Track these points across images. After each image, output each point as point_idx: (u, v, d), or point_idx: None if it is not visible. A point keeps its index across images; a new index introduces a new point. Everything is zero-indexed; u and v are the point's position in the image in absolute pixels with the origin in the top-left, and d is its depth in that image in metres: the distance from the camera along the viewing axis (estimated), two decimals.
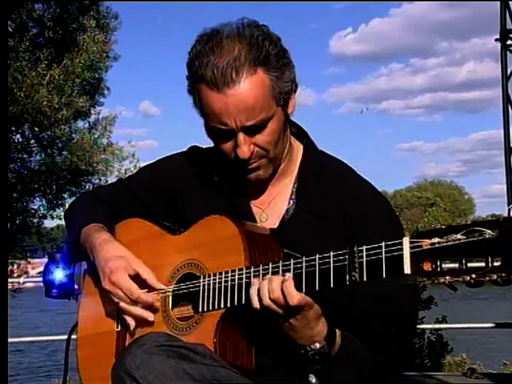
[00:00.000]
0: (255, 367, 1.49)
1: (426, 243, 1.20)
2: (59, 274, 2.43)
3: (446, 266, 1.19)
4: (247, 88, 1.47)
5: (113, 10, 10.02)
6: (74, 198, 10.43)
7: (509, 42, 7.44)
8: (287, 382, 1.52)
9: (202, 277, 1.53)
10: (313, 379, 1.47)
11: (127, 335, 1.64)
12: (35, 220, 10.66)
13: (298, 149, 1.70)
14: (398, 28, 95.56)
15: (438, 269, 1.19)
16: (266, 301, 1.38)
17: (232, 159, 1.55)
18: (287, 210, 1.64)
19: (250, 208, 1.66)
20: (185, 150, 1.81)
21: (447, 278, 1.18)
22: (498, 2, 7.60)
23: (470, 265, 1.16)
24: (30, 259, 11.74)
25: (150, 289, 1.60)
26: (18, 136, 9.62)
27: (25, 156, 10.01)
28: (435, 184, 62.55)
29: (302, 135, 1.72)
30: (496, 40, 7.52)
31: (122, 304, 1.58)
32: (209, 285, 1.51)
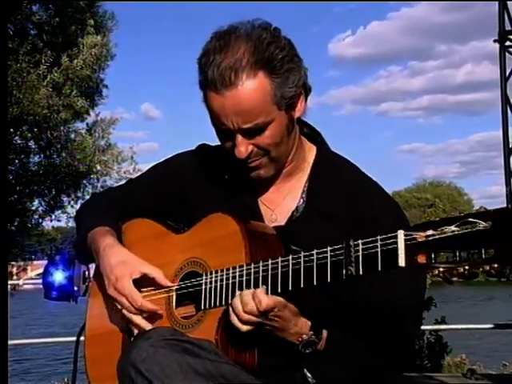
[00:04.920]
0: (257, 365, 1.49)
1: (420, 236, 1.21)
2: (59, 276, 2.44)
3: (441, 258, 1.19)
4: (245, 91, 1.47)
5: (109, 12, 10.04)
6: (72, 199, 10.43)
7: (507, 43, 7.44)
8: (288, 379, 1.53)
9: (204, 274, 1.54)
10: (308, 374, 1.49)
11: (134, 335, 1.63)
12: (35, 217, 10.64)
13: (310, 149, 1.70)
14: (397, 31, 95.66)
15: (433, 261, 1.19)
16: (242, 315, 1.41)
17: (233, 157, 1.56)
18: (297, 208, 1.64)
19: (259, 208, 1.66)
20: (193, 148, 1.81)
21: (441, 269, 1.18)
22: (497, 3, 7.60)
23: (463, 256, 1.17)
24: (29, 261, 11.73)
25: (159, 287, 1.61)
26: (17, 138, 9.60)
27: (23, 157, 10.00)
28: (434, 185, 62.56)
29: (314, 136, 1.72)
30: (494, 41, 7.52)
31: (124, 311, 1.59)
32: (211, 282, 1.52)
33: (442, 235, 1.18)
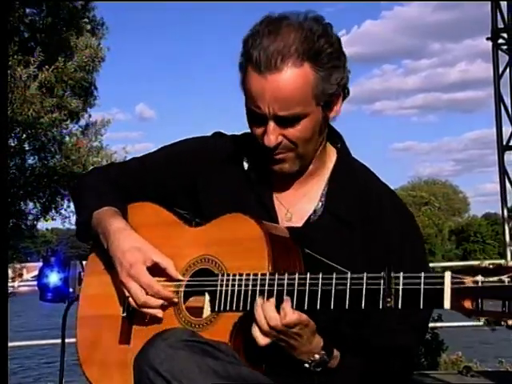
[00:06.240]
0: (266, 373, 1.47)
1: (468, 280, 1.19)
2: (54, 278, 2.43)
3: (488, 307, 1.18)
4: (288, 78, 1.45)
5: (98, 17, 10.09)
6: (68, 200, 10.41)
7: (500, 41, 7.46)
8: None
9: (220, 275, 1.50)
10: None
11: (134, 323, 1.62)
12: (30, 219, 10.62)
13: (331, 152, 1.67)
14: (391, 30, 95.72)
15: (479, 308, 1.18)
16: (265, 328, 1.39)
17: (260, 144, 1.53)
18: (315, 211, 1.61)
19: (274, 205, 1.63)
20: (209, 134, 1.76)
21: (488, 318, 1.17)
22: (489, 2, 7.62)
23: None
24: (25, 263, 11.70)
25: (168, 278, 1.57)
26: (10, 140, 9.58)
27: (18, 159, 9.97)
28: (429, 183, 62.67)
29: (336, 139, 1.69)
30: (487, 39, 7.54)
31: (133, 298, 1.55)
32: (227, 285, 1.48)
33: (492, 284, 1.16)
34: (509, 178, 7.28)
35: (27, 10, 8.75)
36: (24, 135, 9.52)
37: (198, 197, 1.67)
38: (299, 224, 1.60)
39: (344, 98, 1.57)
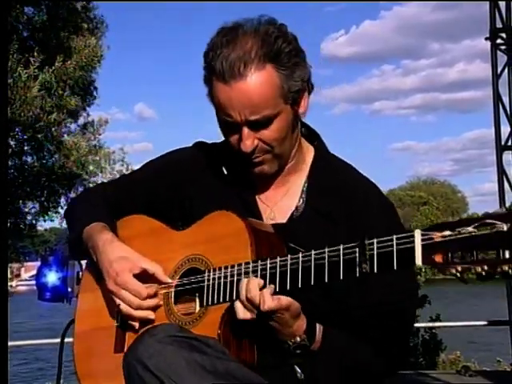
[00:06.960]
0: (257, 363, 1.49)
1: (437, 236, 1.22)
2: (52, 277, 2.43)
3: (458, 258, 1.20)
4: (254, 83, 1.48)
5: (98, 16, 10.11)
6: (66, 199, 10.40)
7: (498, 41, 7.46)
8: (278, 374, 1.52)
9: (206, 271, 1.53)
10: (298, 369, 1.50)
11: (127, 331, 1.63)
12: (28, 219, 10.63)
13: (308, 150, 1.71)
14: (389, 30, 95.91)
15: (449, 260, 1.20)
16: (245, 303, 1.41)
17: (237, 151, 1.56)
18: (297, 208, 1.64)
19: (257, 205, 1.66)
20: (190, 145, 1.81)
21: (459, 268, 1.19)
22: (488, 2, 7.62)
23: (481, 256, 1.18)
24: (23, 262, 11.71)
25: (158, 283, 1.60)
26: (9, 139, 9.57)
27: (16, 159, 9.97)
28: (428, 183, 62.83)
29: (312, 137, 1.73)
30: (486, 39, 7.53)
31: (124, 306, 1.58)
32: (214, 279, 1.50)
33: (460, 236, 1.19)
34: (507, 178, 7.28)
35: (25, 9, 8.75)
36: (24, 136, 9.52)
37: (186, 207, 1.71)
38: (282, 221, 1.63)
39: (309, 92, 1.61)
